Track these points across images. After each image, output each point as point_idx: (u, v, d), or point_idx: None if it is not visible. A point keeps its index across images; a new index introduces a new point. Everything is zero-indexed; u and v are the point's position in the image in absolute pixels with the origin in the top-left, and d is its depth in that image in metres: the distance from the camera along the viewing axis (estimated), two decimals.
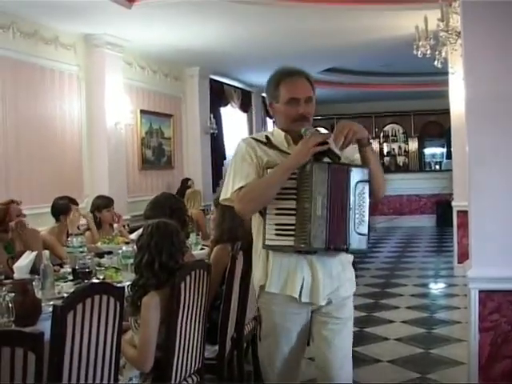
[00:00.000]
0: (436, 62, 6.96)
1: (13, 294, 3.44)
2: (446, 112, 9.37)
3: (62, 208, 6.00)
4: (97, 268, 4.91)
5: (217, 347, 4.20)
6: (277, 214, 2.93)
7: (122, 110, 9.00)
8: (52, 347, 2.68)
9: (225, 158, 12.84)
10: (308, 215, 2.82)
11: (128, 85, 9.54)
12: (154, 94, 10.65)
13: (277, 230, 2.91)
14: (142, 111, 10.13)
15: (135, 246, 4.02)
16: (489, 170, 3.71)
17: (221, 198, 3.15)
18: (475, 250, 3.74)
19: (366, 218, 2.94)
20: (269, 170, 2.94)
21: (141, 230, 4.00)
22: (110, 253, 5.50)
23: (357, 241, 2.90)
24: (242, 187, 3.00)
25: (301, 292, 3.01)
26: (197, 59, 10.62)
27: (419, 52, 6.91)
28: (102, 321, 2.99)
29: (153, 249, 3.48)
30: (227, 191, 3.08)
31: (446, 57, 6.91)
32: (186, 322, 3.56)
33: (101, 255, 5.51)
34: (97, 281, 4.44)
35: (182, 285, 3.47)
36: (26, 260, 4.18)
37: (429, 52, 6.91)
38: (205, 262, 3.93)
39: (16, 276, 4.07)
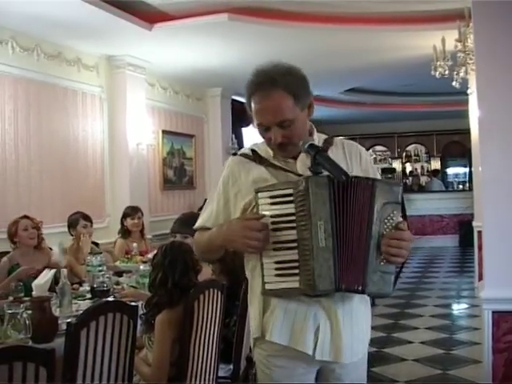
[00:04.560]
0: (454, 83, 6.99)
1: (30, 312, 3.52)
2: (469, 132, 9.37)
3: (71, 221, 6.16)
4: (115, 286, 4.99)
5: (231, 366, 4.23)
6: (275, 250, 2.23)
7: (144, 131, 9.09)
8: (65, 363, 2.73)
9: None
10: (309, 248, 2.16)
11: (150, 105, 9.65)
12: (176, 115, 10.74)
13: (277, 269, 2.22)
14: (163, 131, 10.21)
15: None
16: (502, 190, 3.74)
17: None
18: (489, 270, 3.75)
19: None
20: (259, 195, 2.26)
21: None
22: (128, 272, 5.58)
23: (378, 281, 2.20)
24: (200, 228, 2.60)
25: (315, 346, 2.33)
26: (219, 80, 10.70)
27: (437, 73, 6.94)
28: (115, 338, 3.05)
29: (166, 267, 3.54)
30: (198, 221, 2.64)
31: (465, 77, 6.93)
32: (200, 341, 3.60)
33: (119, 274, 5.59)
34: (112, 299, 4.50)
35: (196, 303, 3.52)
36: (44, 278, 4.25)
37: (447, 72, 6.94)
38: (218, 281, 3.96)
39: (34, 294, 4.13)
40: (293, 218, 2.20)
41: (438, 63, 6.92)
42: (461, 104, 10.98)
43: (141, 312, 3.58)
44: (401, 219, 2.24)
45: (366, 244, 2.19)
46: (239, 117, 12.51)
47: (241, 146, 12.53)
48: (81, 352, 2.81)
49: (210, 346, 3.73)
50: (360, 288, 2.20)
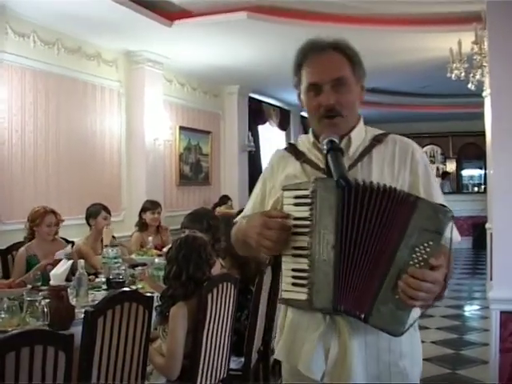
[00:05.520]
0: (470, 85, 7.02)
1: (48, 300, 3.62)
2: (484, 134, 9.37)
3: (91, 212, 6.25)
4: (130, 278, 5.08)
5: (242, 359, 4.32)
6: (293, 256, 1.98)
7: (161, 126, 9.18)
8: (82, 350, 2.81)
9: None
10: (311, 260, 1.93)
11: (168, 101, 9.74)
12: (193, 111, 10.82)
13: (293, 277, 1.98)
14: (180, 127, 10.29)
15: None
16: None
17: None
18: (497, 271, 3.81)
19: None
20: (285, 193, 2.01)
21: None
22: (143, 264, 5.66)
23: (386, 314, 1.88)
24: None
25: (324, 371, 2.04)
26: (236, 77, 10.78)
27: (453, 75, 6.97)
28: (130, 327, 3.13)
29: (181, 261, 3.63)
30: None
31: (481, 79, 6.96)
32: (212, 333, 3.68)
33: (134, 267, 5.67)
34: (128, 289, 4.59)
35: (209, 296, 3.60)
36: (62, 268, 4.33)
37: (463, 75, 6.97)
38: (232, 275, 4.04)
39: (52, 283, 4.22)
40: (308, 222, 1.95)
41: (455, 65, 6.96)
42: (477, 106, 10.98)
43: (156, 304, 3.67)
44: (439, 253, 1.87)
45: (385, 269, 1.87)
46: (256, 114, 12.59)
47: (257, 143, 12.61)
48: (97, 339, 2.90)
49: (223, 339, 3.82)
50: (362, 316, 1.90)
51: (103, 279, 5.05)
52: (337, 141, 2.04)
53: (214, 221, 4.87)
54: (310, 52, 2.15)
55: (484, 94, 7.35)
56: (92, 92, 8.08)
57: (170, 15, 7.26)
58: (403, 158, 2.15)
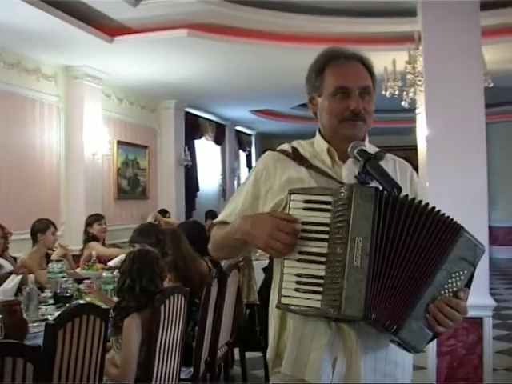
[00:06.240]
0: (403, 103, 7.27)
1: (0, 316, 3.65)
2: (414, 148, 9.65)
3: (39, 227, 6.21)
4: (76, 293, 5.11)
5: (191, 369, 4.42)
6: (300, 261, 1.92)
7: (100, 141, 9.22)
8: (43, 362, 2.87)
9: (198, 190, 13.07)
10: (340, 265, 1.85)
11: (106, 116, 9.78)
12: (131, 126, 10.87)
13: (298, 283, 1.90)
14: (118, 142, 10.34)
15: (115, 272, 4.29)
16: (449, 204, 4.00)
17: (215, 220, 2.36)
18: None
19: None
20: (293, 197, 1.96)
21: (119, 257, 4.26)
22: (88, 278, 5.69)
23: (415, 331, 1.88)
24: (220, 222, 2.28)
25: (331, 380, 2.00)
26: (173, 92, 10.88)
27: (387, 92, 7.22)
28: (88, 339, 3.20)
29: (134, 273, 3.72)
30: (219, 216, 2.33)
31: (414, 97, 7.22)
32: (165, 343, 3.78)
33: (79, 281, 5.69)
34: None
35: (162, 308, 3.70)
36: (11, 283, 4.37)
37: (397, 93, 7.23)
38: (183, 288, 4.14)
39: (1, 298, 4.25)
40: (326, 228, 1.90)
41: (389, 84, 7.21)
42: (407, 121, 11.31)
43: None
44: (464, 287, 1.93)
45: (422, 286, 1.87)
46: (192, 129, 12.70)
47: (193, 157, 12.72)
48: (58, 351, 2.96)
49: (174, 349, 3.92)
50: (394, 328, 1.86)
51: (49, 294, 5.06)
52: (366, 149, 2.05)
53: (162, 235, 4.97)
54: (335, 58, 2.18)
55: (417, 111, 7.61)
56: (31, 106, 8.08)
57: (112, 31, 7.34)
58: (404, 178, 2.20)
